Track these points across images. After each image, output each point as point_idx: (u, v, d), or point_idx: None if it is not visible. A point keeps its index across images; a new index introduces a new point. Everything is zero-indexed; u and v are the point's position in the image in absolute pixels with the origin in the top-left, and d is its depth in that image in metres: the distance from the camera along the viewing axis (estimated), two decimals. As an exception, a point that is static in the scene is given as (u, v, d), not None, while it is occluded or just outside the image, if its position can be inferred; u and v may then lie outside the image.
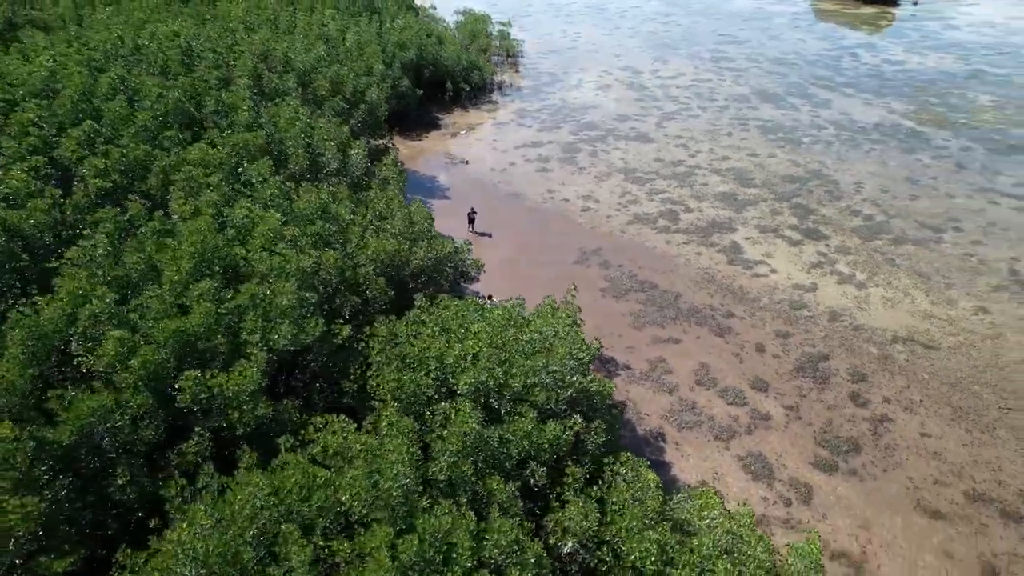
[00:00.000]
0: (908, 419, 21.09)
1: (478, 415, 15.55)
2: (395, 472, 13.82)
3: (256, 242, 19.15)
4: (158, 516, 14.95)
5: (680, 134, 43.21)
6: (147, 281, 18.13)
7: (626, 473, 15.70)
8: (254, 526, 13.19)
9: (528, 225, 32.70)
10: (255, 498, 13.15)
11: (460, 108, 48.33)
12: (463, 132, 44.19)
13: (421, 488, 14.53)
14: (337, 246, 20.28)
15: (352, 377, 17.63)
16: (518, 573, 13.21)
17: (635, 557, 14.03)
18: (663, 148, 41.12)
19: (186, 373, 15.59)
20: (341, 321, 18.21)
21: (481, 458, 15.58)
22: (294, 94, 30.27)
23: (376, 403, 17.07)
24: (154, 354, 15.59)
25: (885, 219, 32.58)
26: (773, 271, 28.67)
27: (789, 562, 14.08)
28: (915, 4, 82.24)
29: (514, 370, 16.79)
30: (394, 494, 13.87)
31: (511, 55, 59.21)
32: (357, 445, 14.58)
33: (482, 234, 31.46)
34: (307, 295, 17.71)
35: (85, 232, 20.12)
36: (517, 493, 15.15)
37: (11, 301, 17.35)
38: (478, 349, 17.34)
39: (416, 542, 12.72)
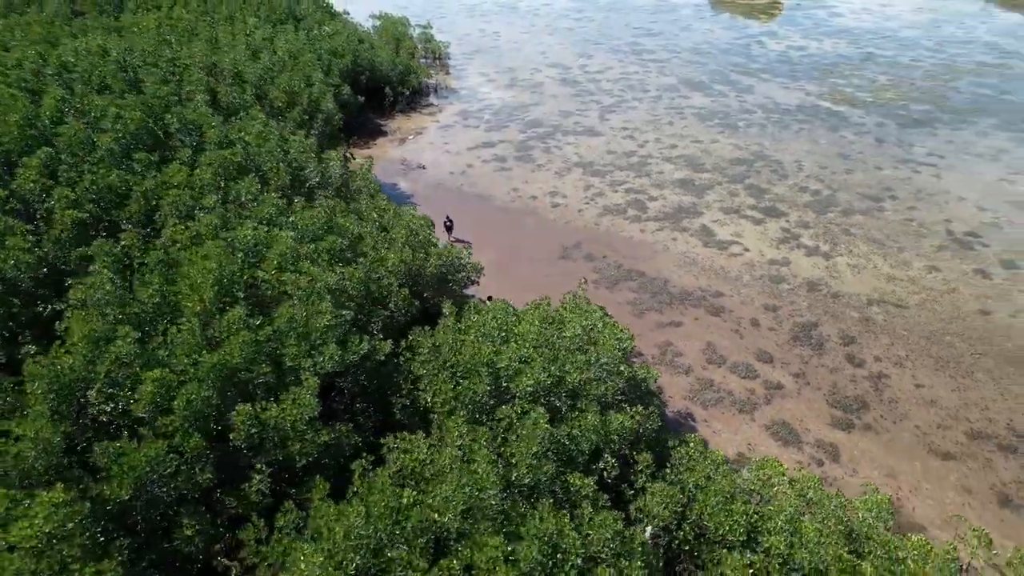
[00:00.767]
0: (901, 373, 22.97)
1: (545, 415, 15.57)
2: (490, 481, 13.64)
3: (273, 263, 18.15)
4: (236, 562, 14.03)
5: (624, 126, 44.55)
6: (161, 316, 16.78)
7: (693, 453, 16.21)
8: (357, 557, 12.67)
9: (502, 226, 32.73)
10: (357, 528, 12.61)
11: (401, 113, 47.51)
12: (411, 137, 43.49)
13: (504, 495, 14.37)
14: (359, 260, 19.54)
15: (403, 393, 17.11)
16: (627, 564, 13.36)
17: (724, 531, 14.52)
18: (612, 140, 42.27)
19: (238, 408, 14.71)
20: (381, 337, 17.62)
21: (554, 457, 15.59)
22: (255, 108, 28.70)
23: (433, 416, 16.71)
24: (198, 391, 14.53)
25: (831, 193, 35.12)
26: (746, 249, 30.26)
27: (860, 515, 15.03)
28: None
29: (567, 366, 16.89)
30: (492, 503, 13.69)
31: (439, 57, 58.78)
32: (444, 460, 14.24)
33: (461, 241, 31.17)
34: (343, 312, 17.02)
35: (68, 269, 18.42)
36: (596, 487, 15.30)
37: (17, 351, 15.57)
38: (527, 350, 17.30)
39: (535, 548, 12.62)
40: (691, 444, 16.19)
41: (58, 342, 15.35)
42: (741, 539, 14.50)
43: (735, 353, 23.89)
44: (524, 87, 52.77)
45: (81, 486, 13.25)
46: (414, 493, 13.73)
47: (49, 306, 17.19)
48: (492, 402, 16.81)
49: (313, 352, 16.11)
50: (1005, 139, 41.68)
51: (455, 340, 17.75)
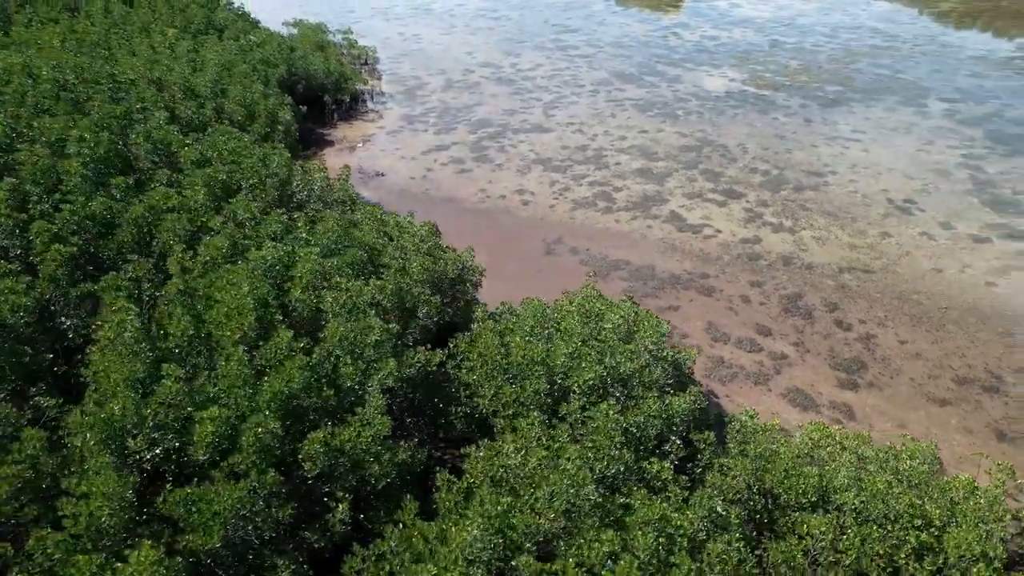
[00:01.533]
0: (885, 333, 24.88)
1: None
2: (589, 477, 13.75)
3: (303, 281, 17.29)
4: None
5: (570, 121, 45.36)
6: (195, 350, 15.64)
7: (749, 424, 16.92)
8: (478, 572, 12.48)
9: (478, 227, 32.59)
10: (476, 540, 12.39)
11: (343, 121, 46.13)
12: (360, 145, 42.33)
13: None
14: (382, 272, 18.92)
15: (460, 401, 16.81)
16: (728, 538, 13.79)
17: (796, 494, 15.28)
18: (563, 136, 42.94)
19: (311, 436, 14.08)
20: (427, 347, 17.20)
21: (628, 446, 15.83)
22: (220, 123, 26.99)
23: (496, 421, 16.54)
24: (265, 425, 13.74)
25: (779, 172, 37.36)
26: (718, 231, 31.69)
27: (908, 464, 16.22)
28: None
29: (619, 357, 17.17)
30: (591, 499, 13.80)
31: (367, 63, 57.39)
32: (533, 462, 14.16)
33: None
34: (391, 326, 16.51)
35: (65, 309, 16.85)
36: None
37: (43, 402, 14.01)
38: (575, 345, 17.44)
39: (650, 535, 12.83)
40: (751, 416, 16.90)
41: (92, 389, 13.99)
42: (812, 500, 15.32)
43: (736, 329, 25.04)
44: (461, 88, 52.54)
45: (163, 540, 12.18)
46: (508, 499, 13.59)
47: (59, 350, 15.58)
48: (549, 400, 16.87)
49: (370, 369, 15.53)
50: (910, 113, 45.77)
51: (502, 342, 17.61)
